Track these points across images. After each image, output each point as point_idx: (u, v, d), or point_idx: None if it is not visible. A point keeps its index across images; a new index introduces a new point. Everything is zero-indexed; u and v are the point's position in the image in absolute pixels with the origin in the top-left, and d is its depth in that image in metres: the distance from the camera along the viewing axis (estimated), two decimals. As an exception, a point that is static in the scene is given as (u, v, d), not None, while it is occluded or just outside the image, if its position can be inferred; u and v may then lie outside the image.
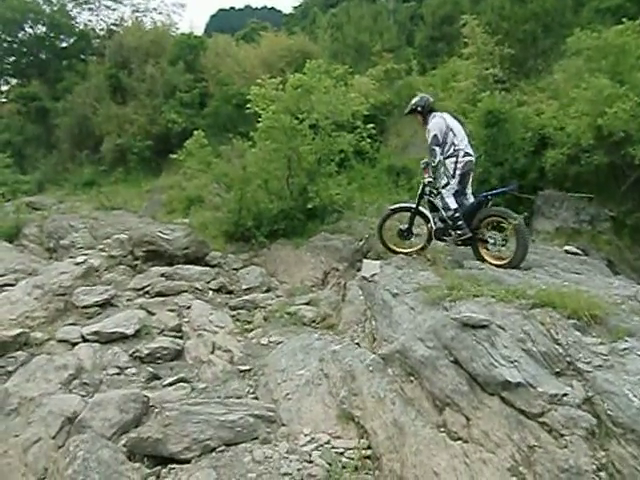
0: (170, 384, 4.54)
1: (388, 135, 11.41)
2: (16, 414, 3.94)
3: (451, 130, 5.46)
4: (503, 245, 5.12)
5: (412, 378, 3.34)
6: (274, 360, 4.35)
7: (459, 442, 2.89)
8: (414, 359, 3.31)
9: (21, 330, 5.33)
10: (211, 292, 6.75)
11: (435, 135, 5.41)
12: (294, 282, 6.69)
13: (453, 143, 5.42)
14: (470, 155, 5.47)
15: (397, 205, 6.19)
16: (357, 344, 4.38)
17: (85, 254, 7.82)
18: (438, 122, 5.48)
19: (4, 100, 21.52)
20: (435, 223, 5.57)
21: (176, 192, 11.43)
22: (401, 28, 18.45)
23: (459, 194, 5.43)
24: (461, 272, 4.59)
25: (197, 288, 6.78)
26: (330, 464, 3.10)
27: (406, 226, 5.83)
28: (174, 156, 11.00)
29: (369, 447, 3.27)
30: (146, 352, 5.12)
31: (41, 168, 17.93)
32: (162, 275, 7.16)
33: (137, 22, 21.60)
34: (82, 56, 21.23)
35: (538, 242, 7.11)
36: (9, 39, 21.06)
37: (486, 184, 8.31)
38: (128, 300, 6.51)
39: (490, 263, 5.08)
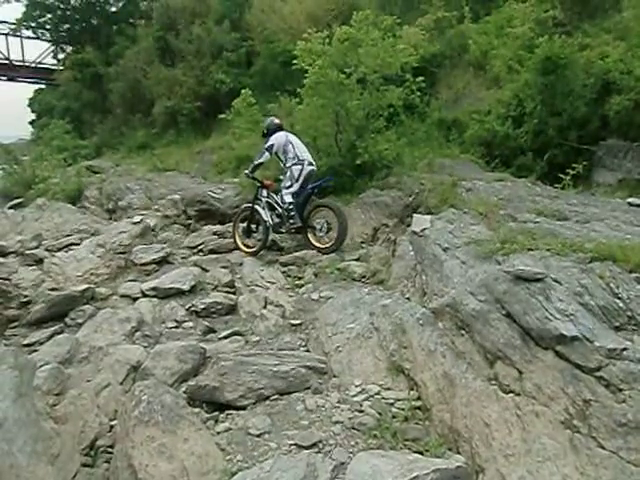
0: (225, 337, 4.74)
1: (439, 87, 10.93)
2: (87, 361, 4.26)
3: (291, 143, 6.72)
4: (329, 230, 6.26)
5: (463, 332, 3.32)
6: (325, 314, 4.43)
7: (511, 395, 2.88)
8: (465, 313, 3.28)
9: (87, 286, 5.69)
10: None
11: (272, 145, 6.67)
12: (344, 239, 6.71)
13: (296, 155, 6.64)
14: (313, 165, 6.71)
15: (246, 204, 7.14)
16: (407, 298, 4.39)
17: (141, 214, 8.14)
18: (279, 136, 6.76)
19: (61, 68, 22.09)
20: (273, 219, 6.62)
21: (226, 152, 11.52)
22: (453, -28, 17.37)
23: (298, 195, 6.56)
24: (514, 226, 4.45)
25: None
26: (380, 414, 3.18)
27: (246, 224, 6.84)
28: (223, 116, 11.10)
29: (419, 398, 3.32)
30: (201, 307, 5.35)
31: (98, 133, 18.49)
32: (214, 233, 7.38)
33: (182, -19, 21.39)
34: (131, 20, 21.38)
35: (598, 195, 6.75)
36: (62, 6, 21.42)
37: (542, 136, 7.90)
38: (183, 258, 6.78)
39: (317, 248, 6.25)
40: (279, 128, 6.94)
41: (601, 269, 3.19)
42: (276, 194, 6.80)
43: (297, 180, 6.58)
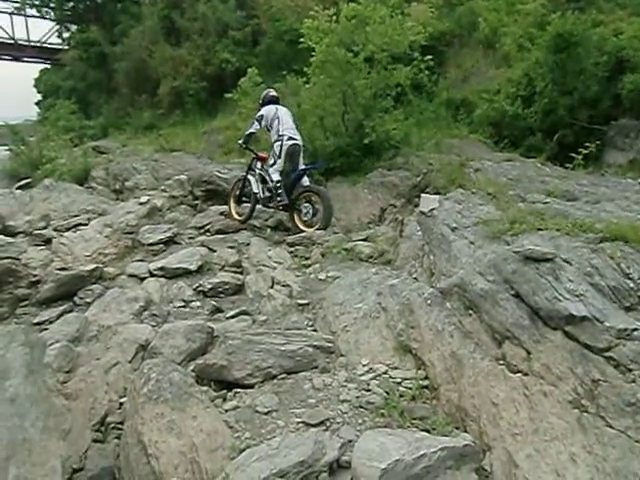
0: (232, 316, 4.74)
1: (447, 67, 10.78)
2: (96, 340, 4.29)
3: (277, 118, 6.71)
4: (314, 214, 6.34)
5: (471, 312, 3.31)
6: (332, 294, 4.42)
7: (519, 375, 2.87)
8: (473, 293, 3.27)
9: (95, 265, 5.71)
10: (269, 229, 6.90)
11: (262, 115, 6.81)
12: (351, 219, 6.70)
13: (278, 130, 6.64)
14: (294, 139, 6.66)
15: (241, 174, 7.32)
16: (415, 279, 4.37)
17: (148, 195, 8.14)
18: (269, 108, 6.84)
19: (66, 47, 21.90)
20: (263, 192, 6.76)
21: (232, 132, 11.43)
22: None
23: (287, 172, 6.69)
24: (523, 206, 4.42)
25: (255, 226, 6.96)
26: (388, 392, 3.18)
27: (238, 192, 7.08)
28: (229, 96, 11.01)
29: (426, 378, 3.31)
30: (209, 287, 5.36)
31: (104, 113, 18.39)
32: (221, 214, 7.38)
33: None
34: (135, -2, 21.12)
35: (609, 175, 6.68)
36: (66, -17, 21.19)
37: (552, 115, 7.79)
38: (190, 238, 6.78)
39: (301, 230, 6.30)
40: (274, 101, 7.01)
41: (612, 249, 3.16)
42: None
43: (279, 156, 6.62)
